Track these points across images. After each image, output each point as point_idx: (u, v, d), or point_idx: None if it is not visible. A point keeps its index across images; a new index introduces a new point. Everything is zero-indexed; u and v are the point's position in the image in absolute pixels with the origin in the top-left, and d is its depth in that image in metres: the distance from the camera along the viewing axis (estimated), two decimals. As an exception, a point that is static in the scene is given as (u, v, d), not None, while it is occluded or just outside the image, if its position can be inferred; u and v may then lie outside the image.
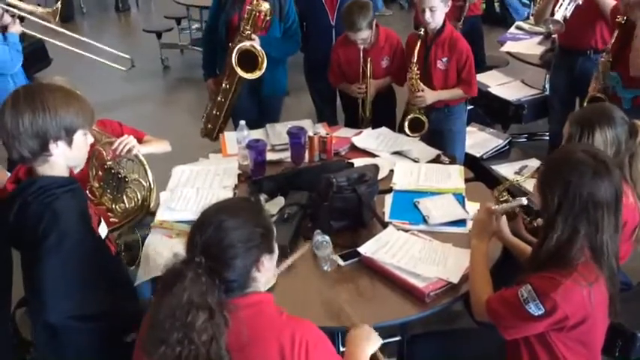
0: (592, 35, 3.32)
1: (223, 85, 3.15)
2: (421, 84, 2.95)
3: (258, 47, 2.93)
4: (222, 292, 1.29)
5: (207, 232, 1.33)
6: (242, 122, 2.75)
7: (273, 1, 3.05)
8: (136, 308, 1.77)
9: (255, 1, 2.92)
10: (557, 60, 3.67)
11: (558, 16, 3.06)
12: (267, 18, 2.98)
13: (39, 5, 3.36)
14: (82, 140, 1.66)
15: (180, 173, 2.56)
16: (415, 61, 2.93)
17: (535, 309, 1.50)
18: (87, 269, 1.59)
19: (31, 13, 3.02)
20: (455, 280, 1.88)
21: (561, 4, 3.05)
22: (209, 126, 3.36)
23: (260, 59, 2.93)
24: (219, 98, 3.22)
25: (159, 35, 6.53)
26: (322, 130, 2.87)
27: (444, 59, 2.97)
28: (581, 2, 3.07)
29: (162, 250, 2.05)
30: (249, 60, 2.95)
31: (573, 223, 1.51)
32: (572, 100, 3.37)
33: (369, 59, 3.08)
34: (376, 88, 3.14)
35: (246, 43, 2.93)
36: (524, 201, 1.62)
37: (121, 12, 9.11)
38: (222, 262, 1.32)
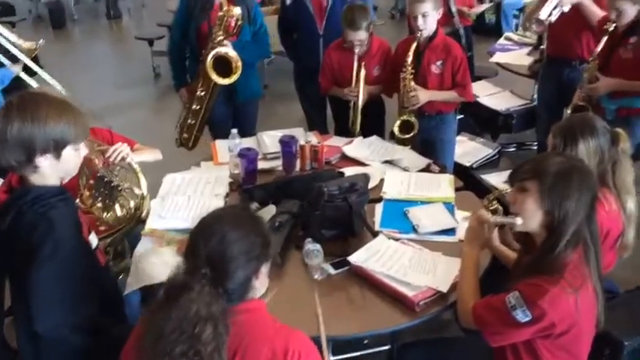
0: (578, 45, 3.37)
1: (198, 92, 3.17)
2: (414, 84, 2.97)
3: (233, 52, 2.96)
4: (225, 301, 1.30)
5: (211, 243, 1.33)
6: (234, 131, 2.76)
7: (241, 6, 3.07)
8: (122, 321, 1.77)
9: (225, 8, 2.96)
10: (544, 70, 3.72)
11: (542, 15, 3.09)
12: (239, 23, 3.01)
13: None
14: (72, 154, 1.64)
15: (171, 181, 2.56)
16: (410, 61, 2.95)
17: (522, 316, 1.51)
18: (79, 278, 1.59)
19: (14, 44, 2.98)
20: (444, 289, 1.89)
21: (547, 5, 3.09)
22: (184, 135, 3.36)
23: (234, 64, 2.96)
24: (194, 106, 3.23)
25: (150, 43, 6.53)
26: (314, 138, 2.88)
27: (439, 62, 3.00)
28: (566, 10, 3.10)
29: (153, 258, 2.05)
30: (223, 66, 2.98)
31: (579, 230, 1.55)
32: (559, 110, 3.41)
33: (362, 64, 3.11)
34: (368, 94, 3.16)
35: (221, 49, 2.96)
36: (518, 221, 1.64)
37: (113, 19, 9.11)
38: (225, 272, 1.33)
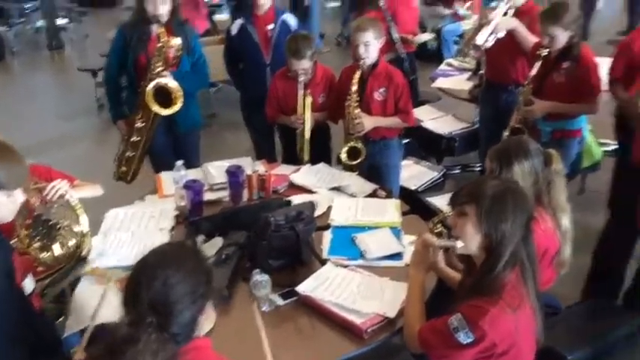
0: (514, 70, 3.51)
1: (138, 124, 3.13)
2: (360, 111, 3.03)
3: (174, 83, 2.96)
4: (172, 345, 1.26)
5: (154, 288, 1.29)
6: (179, 162, 2.73)
7: (180, 36, 3.08)
8: None
9: (164, 38, 2.96)
10: (483, 94, 3.86)
11: (479, 41, 3.22)
12: (179, 53, 3.02)
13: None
14: (4, 201, 1.59)
15: (114, 216, 2.50)
16: (354, 89, 3.00)
17: (464, 337, 1.54)
18: (12, 325, 1.52)
19: None
20: (392, 314, 1.91)
21: (483, 32, 3.22)
22: (123, 168, 3.30)
23: (175, 95, 2.95)
24: (133, 138, 3.19)
25: (94, 74, 6.40)
26: (261, 167, 2.88)
27: (382, 90, 3.06)
28: (501, 36, 3.24)
29: (94, 298, 1.98)
30: (163, 96, 2.97)
31: (516, 250, 1.60)
32: (499, 133, 3.53)
33: (308, 92, 3.15)
34: (314, 121, 3.20)
35: (162, 80, 2.95)
36: (458, 244, 1.68)
37: (55, 50, 8.91)
38: (171, 316, 1.29)
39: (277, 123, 3.47)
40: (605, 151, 4.31)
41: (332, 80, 3.30)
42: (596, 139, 4.05)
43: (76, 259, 2.16)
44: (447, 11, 7.36)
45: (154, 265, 1.33)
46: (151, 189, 2.87)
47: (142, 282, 1.30)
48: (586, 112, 3.11)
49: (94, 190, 2.45)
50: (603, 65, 3.12)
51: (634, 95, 2.38)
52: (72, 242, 2.13)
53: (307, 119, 3.14)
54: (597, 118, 3.24)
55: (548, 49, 2.97)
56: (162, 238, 2.33)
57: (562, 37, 2.91)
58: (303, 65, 3.10)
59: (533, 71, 3.02)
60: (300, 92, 3.12)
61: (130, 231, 2.39)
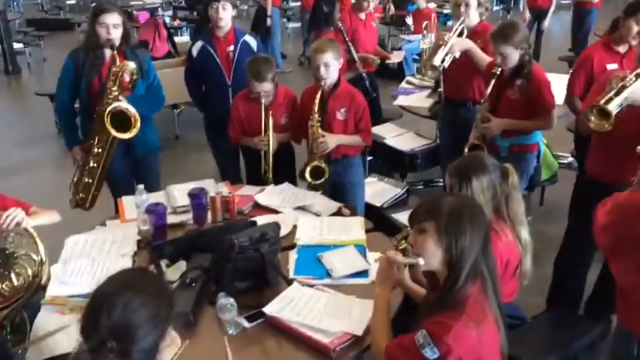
0: (471, 88, 3.61)
1: (95, 149, 3.10)
2: (322, 131, 3.05)
3: (131, 107, 2.94)
4: None
5: (114, 314, 1.26)
6: (140, 186, 2.69)
7: (134, 60, 3.08)
8: None
9: (119, 63, 2.96)
10: (443, 111, 3.95)
11: (436, 62, 3.29)
12: (135, 77, 3.01)
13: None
14: None
15: (74, 243, 2.44)
16: (316, 109, 3.03)
17: (430, 353, 1.55)
18: None
19: None
20: (359, 332, 1.91)
21: (440, 52, 3.30)
22: (80, 195, 3.24)
23: (133, 119, 2.93)
24: (90, 164, 3.15)
25: (52, 98, 6.29)
26: (225, 189, 2.87)
27: (343, 110, 3.10)
28: (457, 55, 3.33)
29: (55, 328, 1.93)
30: (120, 120, 2.95)
31: (476, 263, 1.62)
32: (459, 148, 3.61)
33: (270, 113, 3.16)
34: (277, 141, 3.21)
35: (120, 104, 2.93)
36: (420, 262, 1.70)
37: (12, 75, 8.73)
38: (132, 342, 1.27)
39: (241, 144, 3.46)
40: (561, 164, 4.45)
41: (294, 101, 3.33)
42: (551, 152, 4.19)
43: (35, 288, 2.10)
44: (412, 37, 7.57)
45: (114, 290, 1.31)
46: (110, 214, 2.81)
47: (102, 308, 1.28)
48: (541, 128, 3.20)
49: (51, 217, 2.39)
50: (555, 81, 3.23)
51: (584, 110, 2.47)
52: (29, 271, 2.07)
53: (270, 140, 3.15)
54: (552, 131, 3.34)
55: (501, 68, 3.06)
56: (124, 263, 2.28)
57: (513, 55, 3.00)
58: (265, 87, 3.11)
59: (488, 89, 3.11)
60: (263, 114, 3.13)
61: (91, 257, 2.33)
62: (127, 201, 2.83)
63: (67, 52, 3.25)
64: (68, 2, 14.53)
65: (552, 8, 7.69)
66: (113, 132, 2.94)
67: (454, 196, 1.86)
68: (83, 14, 12.72)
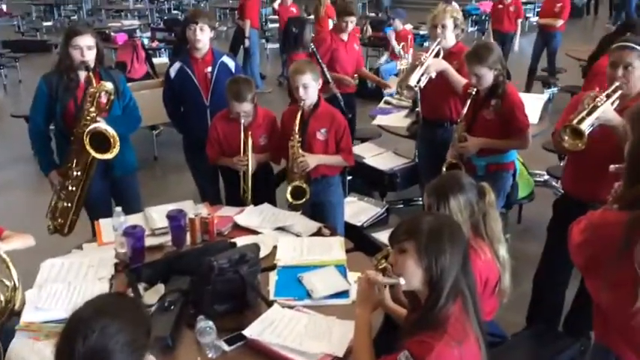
0: (447, 108, 3.67)
1: (74, 173, 3.06)
2: (302, 151, 3.06)
3: (109, 128, 2.92)
4: None
5: (90, 340, 1.23)
6: (118, 209, 2.67)
7: (109, 81, 3.07)
8: None
9: (95, 84, 2.95)
10: (421, 131, 3.99)
11: (412, 82, 3.33)
12: (112, 98, 3.00)
13: None
14: None
15: (49, 267, 2.40)
16: (297, 129, 3.04)
17: (413, 373, 1.55)
18: None
19: None
20: (340, 353, 1.90)
21: (416, 73, 3.34)
22: (59, 221, 3.18)
23: (112, 139, 2.91)
24: (69, 188, 3.10)
25: (28, 120, 6.22)
26: (204, 210, 2.85)
27: (323, 130, 3.12)
28: (434, 76, 3.37)
29: (29, 355, 1.88)
30: (99, 142, 2.92)
31: (456, 282, 1.63)
32: (437, 167, 3.65)
33: (249, 133, 3.17)
34: (256, 162, 3.21)
35: (100, 125, 2.91)
36: (401, 281, 1.71)
37: (-13, 96, 8.62)
38: None
39: (219, 165, 3.45)
40: (537, 181, 4.52)
41: (273, 122, 3.34)
42: (528, 170, 4.25)
43: (8, 314, 2.05)
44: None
45: (90, 315, 1.28)
46: (87, 237, 2.77)
47: (78, 333, 1.25)
48: (517, 147, 3.26)
49: (25, 241, 2.34)
50: (529, 101, 3.29)
51: (558, 130, 2.52)
52: (1, 297, 2.02)
53: (250, 161, 3.15)
54: (527, 150, 3.39)
55: (476, 88, 3.11)
56: (101, 287, 2.25)
57: (488, 76, 3.06)
58: (245, 108, 3.13)
59: (464, 109, 3.16)
60: (242, 134, 3.13)
61: (67, 282, 2.29)
62: (104, 224, 2.80)
63: (44, 73, 3.22)
64: (45, 24, 14.47)
65: (518, 32, 7.87)
66: (93, 153, 2.91)
67: (433, 215, 1.87)
68: (60, 36, 12.64)
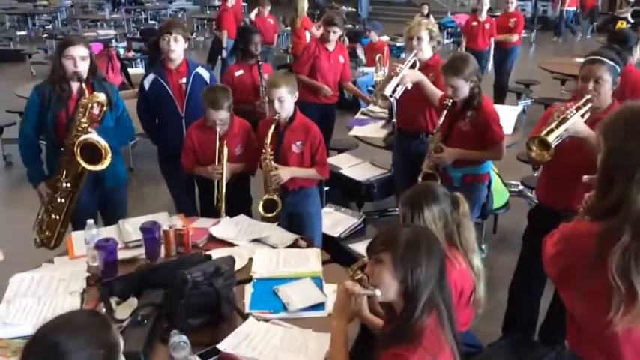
0: (423, 119, 3.69)
1: (63, 185, 3.02)
2: (274, 164, 3.05)
3: (101, 139, 2.89)
4: None
5: (41, 355, 1.21)
6: (90, 221, 2.60)
7: (102, 92, 3.05)
8: None
9: (87, 95, 2.93)
10: (397, 142, 4.01)
11: (387, 91, 3.35)
12: (104, 109, 2.98)
13: None
14: None
15: (19, 282, 2.34)
16: (269, 142, 3.03)
17: (388, 386, 1.54)
18: None
19: None
20: (316, 366, 1.88)
21: (391, 83, 3.36)
22: (46, 233, 3.14)
23: (104, 150, 2.88)
24: (58, 200, 3.06)
25: (0, 130, 6.11)
26: (178, 222, 2.82)
27: (298, 143, 3.12)
28: (409, 86, 3.40)
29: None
30: (90, 154, 2.89)
31: (432, 295, 1.63)
32: (413, 178, 3.67)
33: (224, 142, 3.16)
34: (231, 172, 3.19)
35: (92, 137, 2.88)
36: (377, 292, 1.70)
37: (-43, 107, 8.42)
38: None
39: (194, 174, 3.42)
40: (512, 192, 4.56)
41: (249, 132, 3.33)
42: (502, 181, 4.30)
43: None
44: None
45: (48, 331, 1.26)
46: (60, 251, 2.72)
47: (31, 347, 1.23)
48: (492, 158, 3.29)
49: (-6, 256, 2.29)
50: (503, 112, 3.33)
51: (527, 141, 2.56)
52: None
53: (224, 170, 3.13)
54: (502, 160, 3.42)
55: (452, 99, 3.15)
56: (72, 302, 2.20)
57: (464, 88, 3.09)
58: (221, 116, 3.12)
59: (440, 120, 3.18)
60: (217, 143, 3.12)
61: (37, 296, 2.23)
62: (76, 236, 2.75)
63: (18, 83, 3.18)
64: (19, 34, 14.26)
65: (492, 52, 7.74)
66: (83, 164, 2.87)
67: (411, 227, 1.88)
68: (34, 45, 12.51)
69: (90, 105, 2.92)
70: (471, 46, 7.52)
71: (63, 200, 3.06)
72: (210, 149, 3.17)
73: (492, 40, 7.59)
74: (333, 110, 5.00)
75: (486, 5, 7.52)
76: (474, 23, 7.62)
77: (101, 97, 2.95)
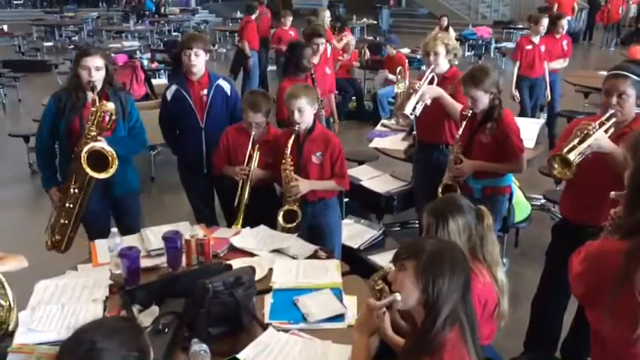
0: (443, 132, 3.68)
1: (72, 190, 3.08)
2: (294, 174, 3.07)
3: (107, 147, 2.95)
4: None
5: (78, 353, 1.24)
6: (114, 230, 2.66)
7: (115, 102, 3.11)
8: None
9: (98, 103, 2.98)
10: (417, 154, 4.01)
11: (407, 110, 3.36)
12: (113, 117, 3.03)
13: None
14: None
15: (44, 289, 2.38)
16: (289, 153, 3.06)
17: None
18: None
19: None
20: (335, 378, 1.88)
21: (411, 101, 3.37)
22: (57, 237, 3.20)
23: (110, 158, 2.93)
24: (67, 205, 3.12)
25: (26, 139, 6.24)
26: (200, 232, 2.84)
27: (318, 153, 3.13)
28: (429, 103, 3.40)
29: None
30: (98, 161, 2.94)
31: (454, 310, 1.62)
32: (433, 190, 3.66)
33: (257, 147, 3.22)
34: (257, 176, 3.24)
35: (96, 144, 2.93)
36: (397, 297, 1.70)
37: (-14, 116, 8.64)
38: None
39: (221, 174, 3.43)
40: (534, 205, 4.51)
41: (283, 146, 3.34)
42: (524, 194, 4.25)
43: (2, 335, 2.03)
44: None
45: (85, 331, 1.29)
46: (84, 257, 2.76)
47: (69, 346, 1.26)
48: (512, 170, 3.27)
49: (18, 263, 2.30)
50: (526, 126, 3.31)
51: (549, 159, 2.54)
52: (-4, 318, 2.00)
53: (251, 172, 3.20)
54: (524, 174, 3.40)
55: (472, 110, 3.14)
56: (95, 309, 2.23)
57: (483, 99, 3.09)
58: (258, 119, 3.19)
59: (460, 131, 3.18)
60: (250, 146, 3.20)
61: (61, 303, 2.27)
62: (99, 244, 2.79)
63: (43, 93, 3.27)
64: (46, 44, 14.57)
65: (547, 78, 6.55)
66: (89, 171, 2.92)
67: (438, 240, 1.88)
68: (60, 56, 12.77)
69: (99, 113, 2.98)
70: (527, 74, 6.37)
71: (71, 205, 3.12)
72: (242, 151, 3.25)
73: (546, 64, 6.42)
74: (327, 123, 4.95)
75: (543, 27, 6.31)
76: (529, 47, 6.33)
77: (109, 106, 3.00)
